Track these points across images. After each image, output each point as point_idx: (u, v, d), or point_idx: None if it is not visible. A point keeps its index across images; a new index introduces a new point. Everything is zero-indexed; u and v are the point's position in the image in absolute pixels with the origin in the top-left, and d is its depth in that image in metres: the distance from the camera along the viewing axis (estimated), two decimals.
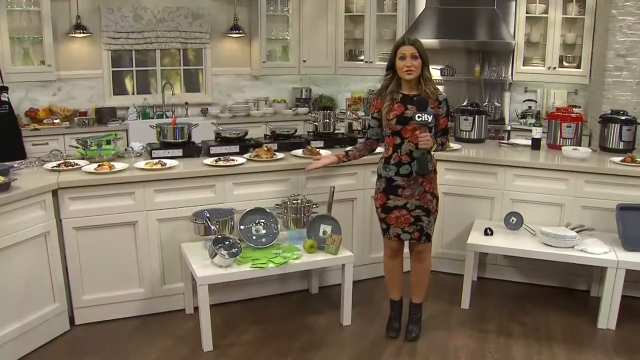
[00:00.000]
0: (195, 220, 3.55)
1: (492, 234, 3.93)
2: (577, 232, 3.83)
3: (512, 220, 4.03)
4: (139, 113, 6.27)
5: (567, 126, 4.49)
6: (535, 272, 4.28)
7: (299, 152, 4.16)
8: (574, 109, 5.93)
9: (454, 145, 4.52)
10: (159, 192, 3.64)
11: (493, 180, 4.24)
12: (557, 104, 6.13)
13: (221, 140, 4.19)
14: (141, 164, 3.75)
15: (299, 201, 3.70)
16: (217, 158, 3.89)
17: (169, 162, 3.78)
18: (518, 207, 4.12)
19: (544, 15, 5.98)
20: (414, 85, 3.23)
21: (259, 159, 3.92)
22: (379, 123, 3.36)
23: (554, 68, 5.97)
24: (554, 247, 3.69)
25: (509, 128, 6.09)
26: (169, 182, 3.65)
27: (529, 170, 4.16)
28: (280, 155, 4.02)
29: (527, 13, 6.00)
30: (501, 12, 6.12)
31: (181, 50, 6.64)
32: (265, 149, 4.00)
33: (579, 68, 5.92)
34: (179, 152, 4.03)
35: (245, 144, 4.19)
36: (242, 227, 3.58)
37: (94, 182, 3.49)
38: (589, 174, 3.99)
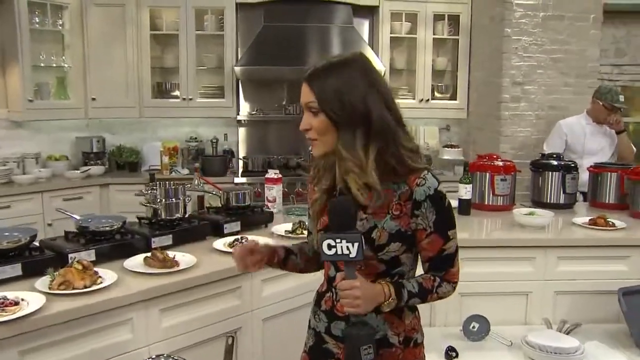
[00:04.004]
0: None
1: (457, 355, 2.75)
2: (565, 333, 2.90)
3: (474, 327, 2.92)
4: None
5: (502, 179, 3.55)
6: None
7: (138, 261, 2.50)
8: (453, 149, 5.17)
9: None
10: None
11: None
12: (431, 143, 5.31)
13: None
14: None
15: None
16: None
17: None
18: (470, 304, 3.03)
19: (409, 35, 5.11)
20: None
21: (70, 290, 2.19)
22: None
23: (427, 100, 5.12)
24: None
25: None
26: None
27: (479, 250, 3.07)
28: (107, 275, 2.33)
29: (391, 33, 5.06)
30: (361, 31, 5.14)
31: None
32: (80, 268, 2.27)
33: (454, 99, 5.17)
34: None
35: (33, 260, 2.39)
36: None
37: None
38: (564, 249, 3.06)
